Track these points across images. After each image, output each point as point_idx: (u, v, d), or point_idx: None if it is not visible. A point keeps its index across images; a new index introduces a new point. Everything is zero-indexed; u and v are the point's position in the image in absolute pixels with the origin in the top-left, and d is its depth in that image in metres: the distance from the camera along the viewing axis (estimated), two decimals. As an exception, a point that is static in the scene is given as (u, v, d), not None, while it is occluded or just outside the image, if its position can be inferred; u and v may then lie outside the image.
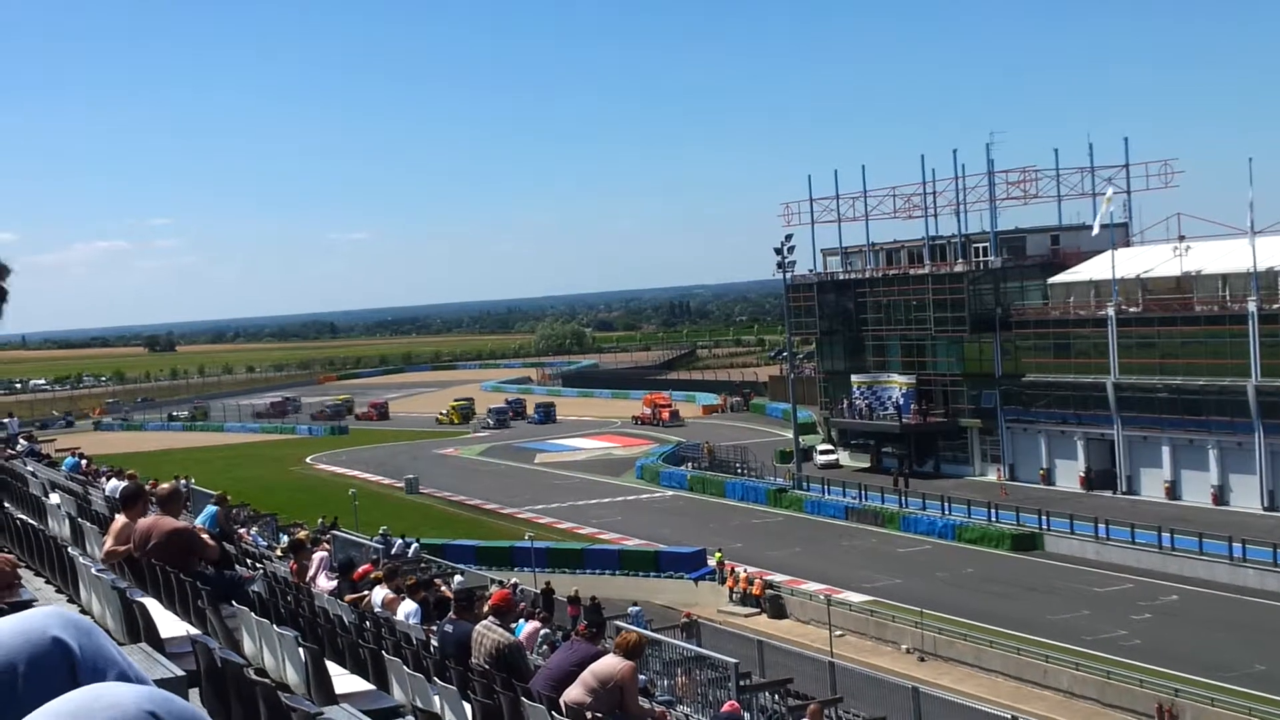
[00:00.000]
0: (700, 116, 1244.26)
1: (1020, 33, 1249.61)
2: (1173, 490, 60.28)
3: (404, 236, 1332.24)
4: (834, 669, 27.46)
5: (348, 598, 15.67)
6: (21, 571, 8.72)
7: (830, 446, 79.00)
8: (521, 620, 19.96)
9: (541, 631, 21.17)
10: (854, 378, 76.45)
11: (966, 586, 47.76)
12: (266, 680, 6.04)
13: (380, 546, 38.68)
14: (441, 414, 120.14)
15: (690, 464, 78.06)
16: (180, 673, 5.58)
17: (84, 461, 28.41)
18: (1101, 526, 51.35)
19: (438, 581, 25.82)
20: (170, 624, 7.45)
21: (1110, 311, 62.32)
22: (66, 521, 12.51)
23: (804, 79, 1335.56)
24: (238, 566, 12.27)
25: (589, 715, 8.85)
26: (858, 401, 76.02)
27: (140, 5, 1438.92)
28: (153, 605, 7.76)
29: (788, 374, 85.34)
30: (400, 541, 45.55)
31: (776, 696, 23.18)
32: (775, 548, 55.60)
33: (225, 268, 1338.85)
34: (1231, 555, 46.20)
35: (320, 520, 48.25)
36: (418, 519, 63.90)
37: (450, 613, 12.20)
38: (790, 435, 77.05)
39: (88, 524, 12.03)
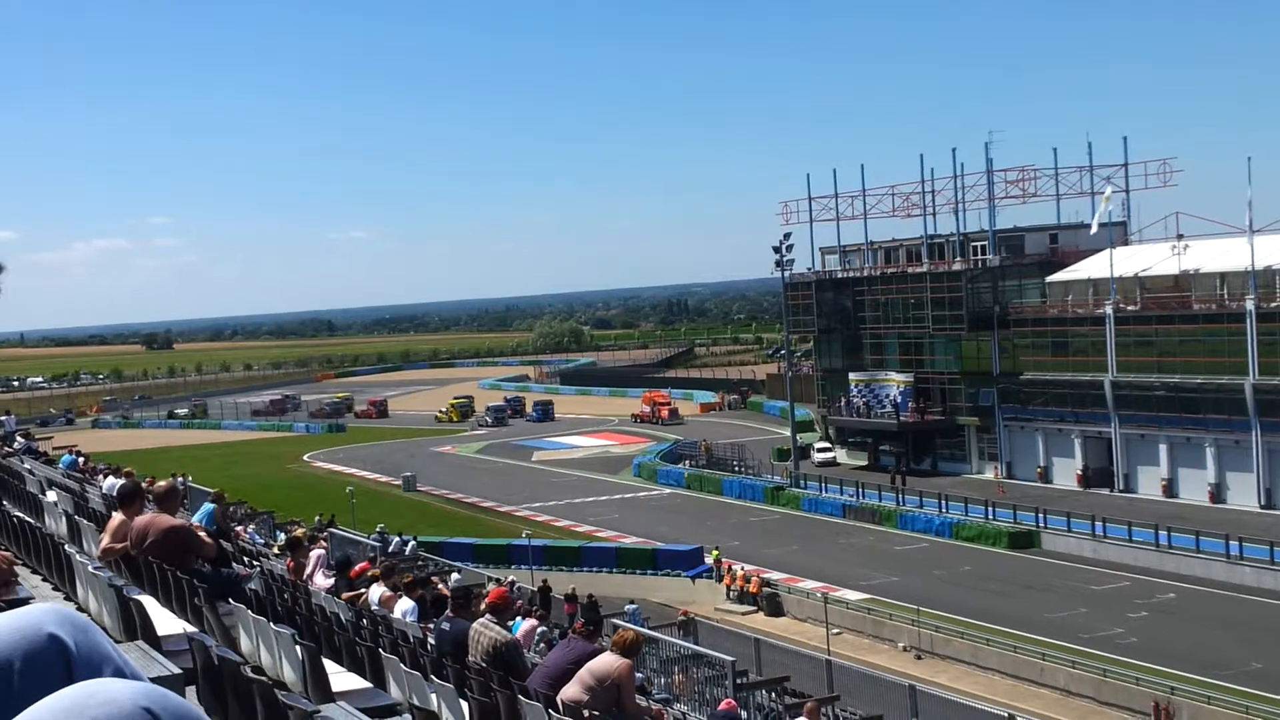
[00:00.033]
0: (700, 116, 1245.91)
1: (1020, 32, 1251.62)
2: (1170, 488, 60.33)
3: (404, 236, 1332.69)
4: (831, 667, 27.44)
5: (345, 596, 15.65)
6: (18, 569, 8.73)
7: (828, 444, 79.01)
8: (518, 618, 19.96)
9: (539, 629, 21.14)
10: (852, 376, 76.46)
11: (964, 584, 47.79)
12: (263, 678, 6.04)
13: (377, 544, 38.65)
14: (441, 412, 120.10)
15: (688, 462, 78.06)
16: (177, 670, 5.59)
17: (81, 459, 28.37)
18: (1099, 524, 51.39)
19: (435, 579, 25.76)
20: (167, 622, 7.46)
21: (1108, 310, 62.34)
22: (63, 519, 12.51)
23: (804, 79, 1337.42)
24: (235, 564, 12.27)
25: (586, 713, 8.86)
26: (855, 399, 76.03)
27: (140, 5, 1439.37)
28: (150, 603, 7.76)
29: (785, 372, 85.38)
30: (397, 539, 45.47)
31: (773, 694, 23.19)
32: (772, 546, 55.61)
33: (225, 267, 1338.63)
34: (1228, 553, 46.23)
35: (317, 518, 48.21)
36: (415, 517, 63.86)
37: (447, 611, 12.20)
38: (788, 433, 77.11)
39: (85, 521, 12.04)
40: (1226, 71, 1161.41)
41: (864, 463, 75.11)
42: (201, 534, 10.25)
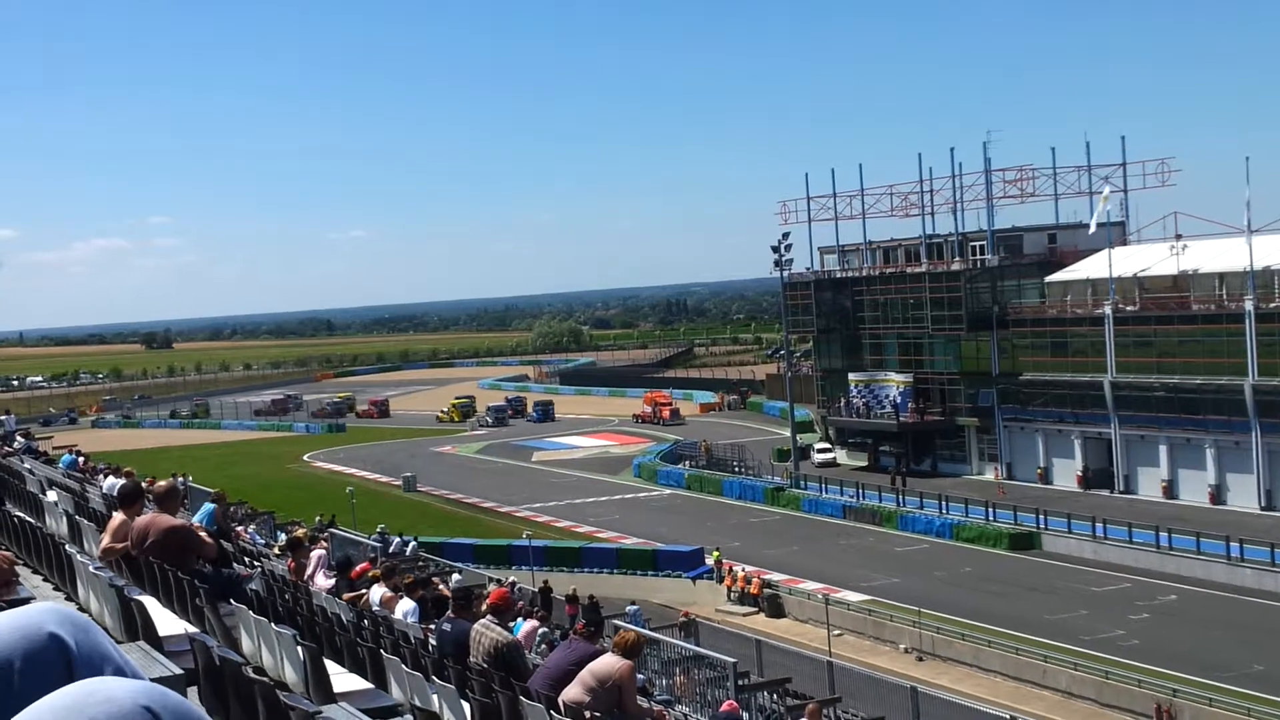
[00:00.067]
0: (700, 116, 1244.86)
1: (1019, 33, 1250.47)
2: (1170, 489, 60.33)
3: (403, 236, 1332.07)
4: (832, 668, 27.45)
5: (346, 596, 15.63)
6: (19, 569, 8.70)
7: (828, 445, 79.03)
8: (520, 619, 19.93)
9: (540, 630, 21.11)
10: (851, 376, 76.48)
11: (964, 586, 47.77)
12: (265, 679, 6.02)
13: (378, 545, 38.69)
14: (442, 412, 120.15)
15: (688, 462, 78.07)
16: (178, 671, 5.56)
17: (81, 459, 28.35)
18: (1099, 526, 51.38)
19: (435, 580, 25.75)
20: (168, 622, 7.43)
21: (1107, 310, 62.35)
22: (64, 519, 12.49)
23: (803, 79, 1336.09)
24: (235, 564, 12.25)
25: (587, 714, 8.83)
26: (855, 400, 76.04)
27: (140, 5, 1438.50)
28: (151, 603, 7.74)
29: (785, 372, 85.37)
30: (398, 540, 45.50)
31: (775, 696, 23.18)
32: (773, 546, 55.61)
33: (224, 266, 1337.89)
34: (1229, 555, 46.22)
35: (318, 518, 48.24)
36: (415, 517, 63.90)
37: (448, 611, 12.18)
38: (788, 434, 77.11)
39: (85, 521, 12.02)
40: (1225, 71, 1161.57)
41: (864, 463, 75.13)
42: (202, 534, 10.22)
